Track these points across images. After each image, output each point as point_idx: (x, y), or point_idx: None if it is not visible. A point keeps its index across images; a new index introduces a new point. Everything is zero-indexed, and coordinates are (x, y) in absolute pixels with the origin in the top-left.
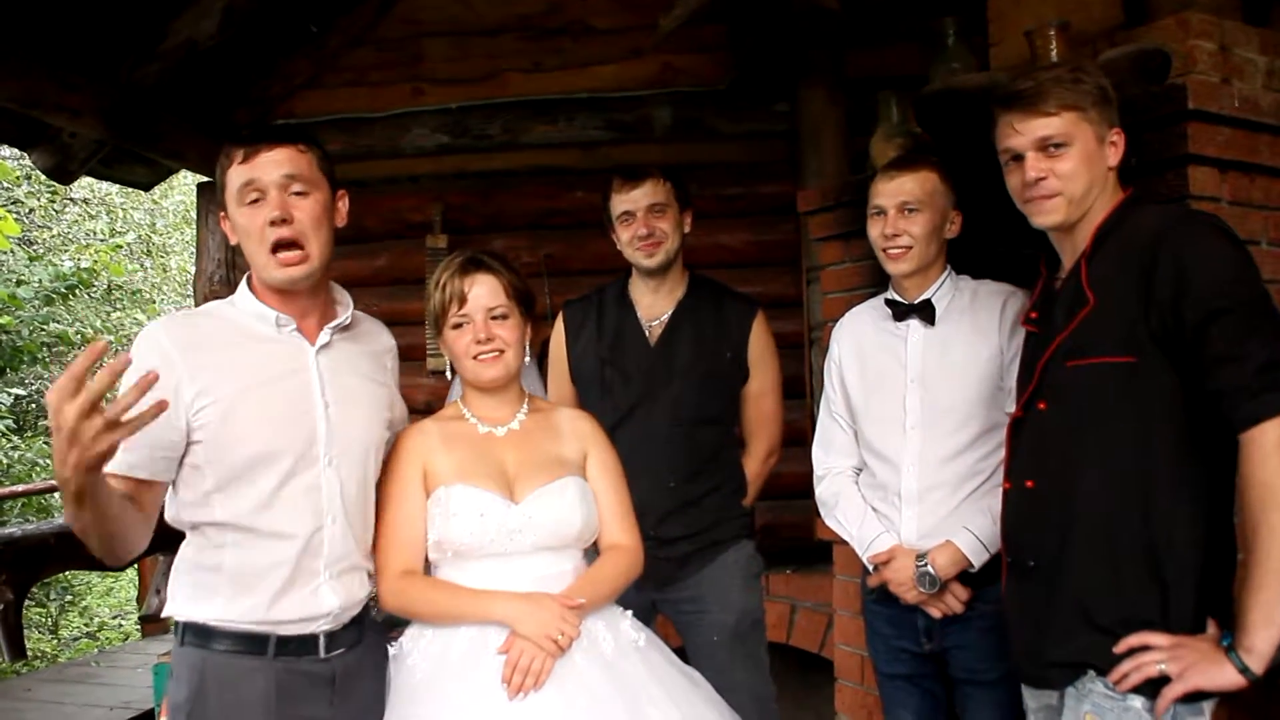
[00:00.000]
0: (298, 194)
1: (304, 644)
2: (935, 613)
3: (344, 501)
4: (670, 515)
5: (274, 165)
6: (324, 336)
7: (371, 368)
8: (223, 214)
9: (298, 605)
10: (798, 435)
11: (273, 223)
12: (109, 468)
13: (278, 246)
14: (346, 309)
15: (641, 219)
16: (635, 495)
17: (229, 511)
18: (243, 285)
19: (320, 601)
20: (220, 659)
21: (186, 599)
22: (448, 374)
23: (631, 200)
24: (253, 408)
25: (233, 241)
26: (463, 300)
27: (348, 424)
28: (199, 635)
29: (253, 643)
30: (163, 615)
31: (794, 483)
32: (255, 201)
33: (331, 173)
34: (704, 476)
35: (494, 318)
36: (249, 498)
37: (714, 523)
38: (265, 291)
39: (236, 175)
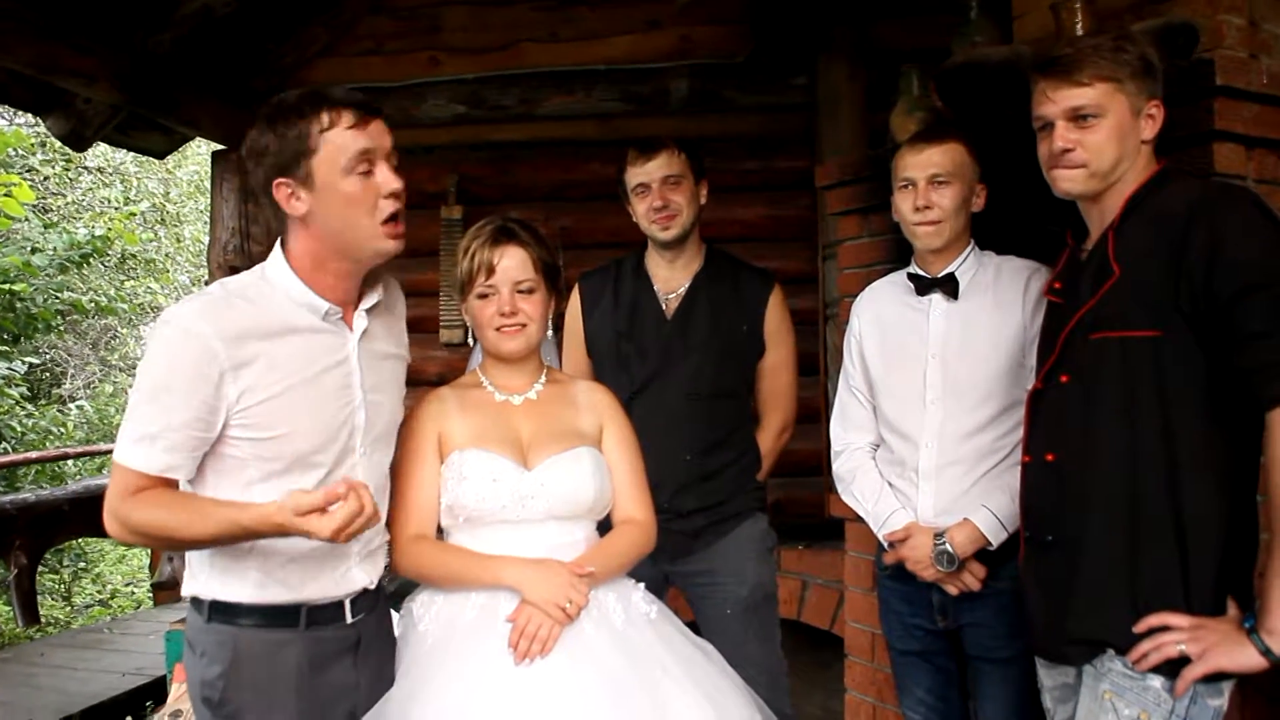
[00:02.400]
0: (396, 168)
1: (333, 611)
2: (952, 590)
3: (374, 486)
4: (685, 488)
5: (384, 136)
6: (361, 321)
7: (394, 340)
8: (281, 181)
9: (328, 585)
10: (811, 412)
11: (393, 194)
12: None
13: (392, 218)
14: (376, 285)
15: (657, 191)
16: (650, 468)
17: (268, 501)
18: (283, 265)
19: (350, 580)
20: (251, 633)
21: (212, 579)
22: (469, 341)
23: (646, 173)
24: (299, 405)
25: (298, 211)
26: (490, 271)
27: (380, 410)
28: (226, 612)
29: (284, 616)
30: (184, 594)
31: (807, 459)
32: (368, 173)
33: None
34: (719, 450)
35: (520, 291)
36: (290, 490)
37: (728, 496)
38: (315, 272)
39: (351, 140)
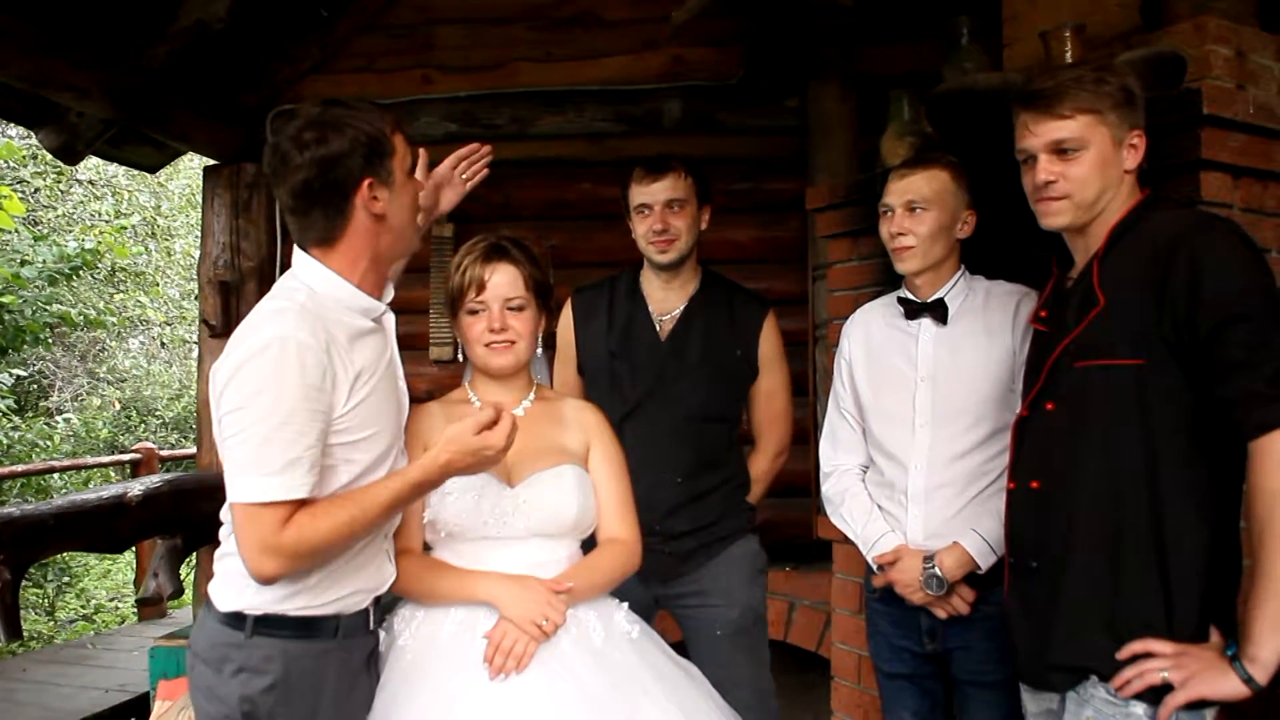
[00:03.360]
0: None
1: (359, 620)
2: (941, 614)
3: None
4: (676, 510)
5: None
6: (390, 318)
7: None
8: (370, 180)
9: (369, 578)
10: (800, 432)
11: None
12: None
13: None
14: (390, 288)
15: (658, 214)
16: (641, 490)
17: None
18: (331, 277)
19: (384, 573)
20: (296, 645)
21: (263, 590)
22: (459, 357)
23: (650, 194)
24: (379, 404)
25: (378, 210)
26: (481, 287)
27: (407, 397)
28: (272, 625)
29: (322, 628)
30: (222, 609)
31: (794, 480)
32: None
33: None
34: (710, 473)
35: (510, 308)
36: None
37: (719, 518)
38: (353, 276)
39: (406, 149)
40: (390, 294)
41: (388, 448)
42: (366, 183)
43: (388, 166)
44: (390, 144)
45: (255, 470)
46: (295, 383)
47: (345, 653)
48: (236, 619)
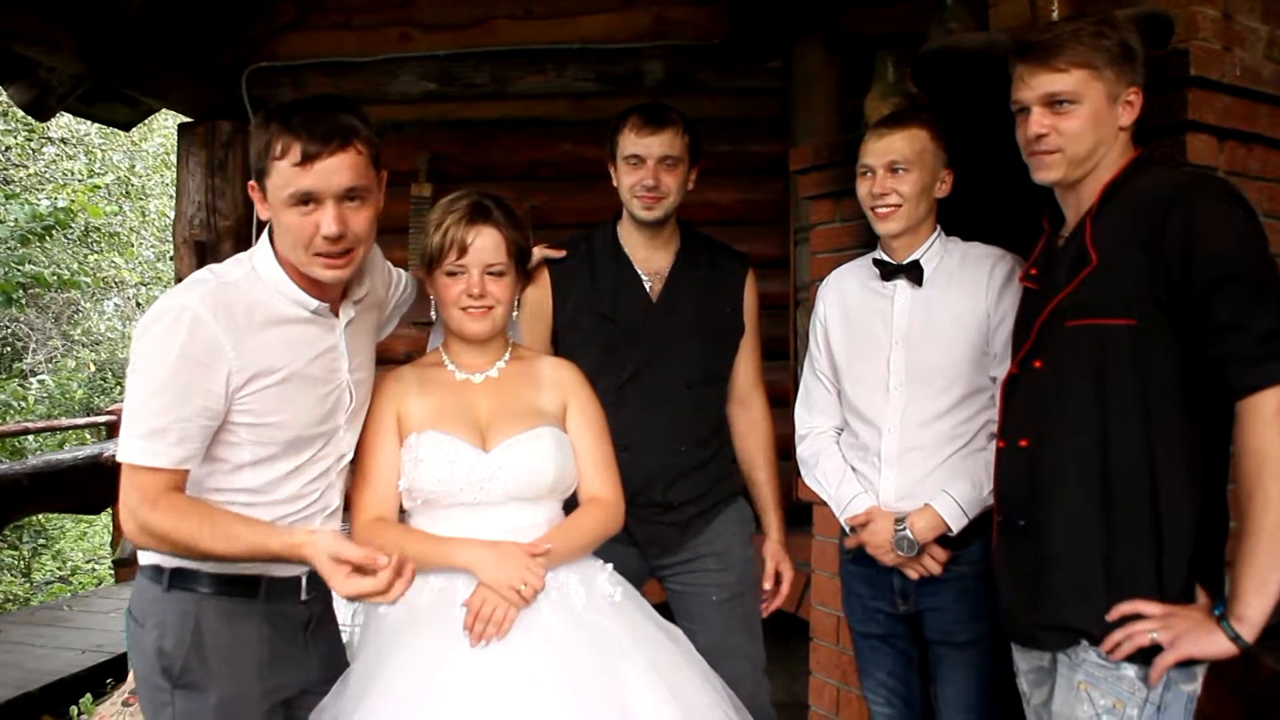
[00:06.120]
0: (353, 200)
1: (289, 587)
2: (913, 574)
3: (346, 460)
4: (678, 480)
5: (334, 175)
6: (349, 312)
7: (375, 317)
8: (253, 184)
9: None
10: (781, 395)
11: (327, 237)
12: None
13: (329, 254)
14: (363, 283)
15: (651, 169)
16: (645, 461)
17: (256, 480)
18: (271, 260)
19: None
20: (213, 602)
21: None
22: (432, 314)
23: (645, 147)
24: (295, 392)
25: (263, 216)
26: (463, 250)
27: (362, 388)
28: (188, 579)
29: (245, 586)
30: (143, 563)
31: (776, 443)
32: (307, 202)
33: (379, 158)
34: (710, 440)
35: (490, 273)
36: (279, 470)
37: (715, 483)
38: (298, 272)
39: (290, 177)
40: (359, 292)
41: (301, 435)
42: (251, 185)
43: (263, 182)
44: (265, 165)
45: (128, 430)
46: (175, 354)
47: (272, 617)
48: (156, 572)
